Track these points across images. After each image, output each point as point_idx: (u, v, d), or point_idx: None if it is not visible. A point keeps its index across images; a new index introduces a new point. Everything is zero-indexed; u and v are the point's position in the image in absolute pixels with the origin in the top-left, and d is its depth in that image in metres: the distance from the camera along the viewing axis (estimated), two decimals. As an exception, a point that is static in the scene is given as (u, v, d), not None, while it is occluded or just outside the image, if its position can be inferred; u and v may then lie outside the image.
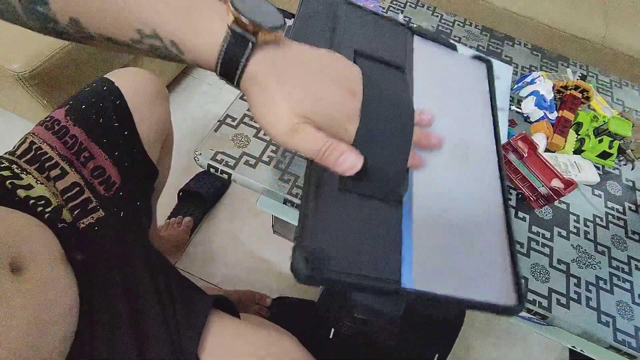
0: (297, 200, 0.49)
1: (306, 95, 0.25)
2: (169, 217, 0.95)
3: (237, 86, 0.26)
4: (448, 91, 0.37)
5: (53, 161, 0.45)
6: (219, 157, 0.50)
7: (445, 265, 0.28)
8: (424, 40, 0.39)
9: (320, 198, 0.27)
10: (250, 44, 0.24)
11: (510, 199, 0.56)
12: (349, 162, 0.25)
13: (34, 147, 0.45)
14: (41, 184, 0.44)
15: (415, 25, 0.39)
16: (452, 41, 0.41)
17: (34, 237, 0.39)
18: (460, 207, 0.31)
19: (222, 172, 0.50)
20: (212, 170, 0.50)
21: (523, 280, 0.31)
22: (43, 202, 0.42)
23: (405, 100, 0.29)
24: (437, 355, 0.63)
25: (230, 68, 0.24)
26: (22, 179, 0.43)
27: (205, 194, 0.97)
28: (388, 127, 0.27)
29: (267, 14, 0.24)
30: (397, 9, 0.81)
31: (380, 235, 0.27)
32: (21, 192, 0.42)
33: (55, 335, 0.35)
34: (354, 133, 0.26)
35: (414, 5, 0.83)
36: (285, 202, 0.50)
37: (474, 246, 0.29)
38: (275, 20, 0.24)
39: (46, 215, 0.42)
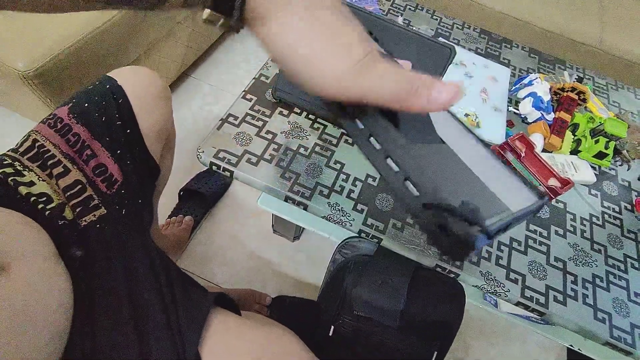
0: (298, 198, 0.50)
1: (353, 31, 0.18)
2: (170, 216, 0.96)
3: (240, 22, 0.17)
4: None
5: (56, 159, 0.45)
6: (221, 155, 0.51)
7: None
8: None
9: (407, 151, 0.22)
10: None
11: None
12: (447, 95, 0.18)
13: (36, 144, 0.46)
14: (43, 181, 0.44)
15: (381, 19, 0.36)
16: (419, 34, 0.38)
17: (22, 236, 0.38)
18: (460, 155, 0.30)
19: (225, 169, 0.51)
20: (214, 167, 0.51)
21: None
22: (44, 199, 0.43)
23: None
24: (435, 354, 0.63)
25: (227, 9, 0.17)
26: (24, 176, 0.43)
27: (206, 193, 0.97)
28: None
29: None
30: (397, 12, 0.82)
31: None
32: (23, 189, 0.42)
33: (41, 336, 0.34)
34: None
35: (413, 9, 0.84)
36: (287, 199, 0.50)
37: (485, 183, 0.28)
38: None
39: (47, 212, 0.42)
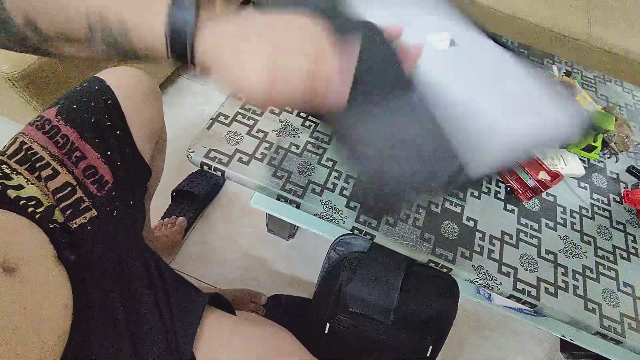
0: (290, 196, 0.50)
1: (269, 58, 0.25)
2: (163, 218, 0.95)
3: (193, 63, 0.26)
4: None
5: (44, 161, 0.45)
6: (212, 154, 0.51)
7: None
8: None
9: (357, 132, 0.27)
10: (193, 17, 0.24)
11: (499, 192, 0.58)
12: (340, 86, 0.25)
13: (24, 147, 0.45)
14: (32, 184, 0.43)
15: None
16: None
17: (26, 238, 0.38)
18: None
19: (216, 169, 0.50)
20: (205, 167, 0.51)
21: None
22: (34, 202, 0.42)
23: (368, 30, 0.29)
24: (430, 348, 0.64)
25: (179, 44, 0.25)
26: (13, 179, 0.43)
27: (198, 193, 0.96)
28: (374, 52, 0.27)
29: None
30: (387, 8, 0.82)
31: (424, 147, 0.27)
32: (11, 193, 0.41)
33: (49, 336, 0.35)
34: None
35: (403, 4, 0.84)
36: (279, 197, 0.50)
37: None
38: None
39: (37, 215, 0.41)
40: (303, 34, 0.26)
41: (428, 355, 0.64)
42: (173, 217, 0.93)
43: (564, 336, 0.70)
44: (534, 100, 0.30)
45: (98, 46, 0.26)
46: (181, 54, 0.25)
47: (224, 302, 0.51)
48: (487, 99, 0.31)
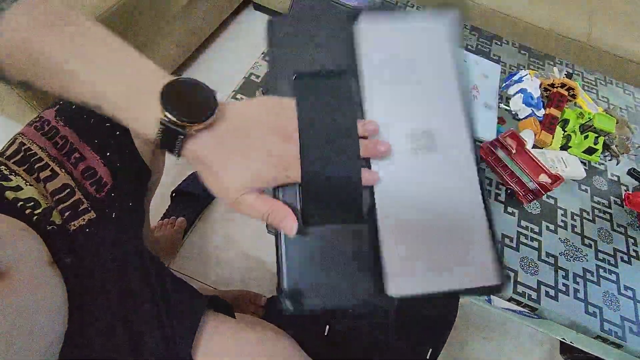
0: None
1: (246, 171, 0.27)
2: (162, 218, 0.95)
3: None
4: (403, 73, 0.33)
5: (43, 162, 0.45)
6: (211, 156, 0.50)
7: (425, 263, 0.28)
8: (372, 19, 0.34)
9: (289, 239, 0.29)
10: (180, 136, 0.26)
11: (499, 194, 0.58)
12: (287, 229, 0.28)
13: (23, 148, 0.45)
14: (30, 185, 0.43)
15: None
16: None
17: (18, 241, 0.38)
18: (432, 201, 0.30)
19: (215, 171, 0.50)
20: (204, 169, 0.50)
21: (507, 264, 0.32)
22: (32, 203, 0.42)
23: (347, 118, 0.29)
24: (430, 351, 0.63)
25: (168, 150, 0.27)
26: (11, 180, 0.42)
27: (198, 194, 0.96)
28: (331, 152, 0.28)
29: (199, 105, 0.27)
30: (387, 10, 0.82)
31: (353, 258, 0.28)
32: (9, 194, 0.41)
33: (41, 341, 0.35)
34: (298, 175, 0.28)
35: (403, 7, 0.84)
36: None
37: (452, 236, 0.29)
38: (204, 112, 0.26)
39: (35, 217, 0.41)
40: (276, 137, 0.28)
41: (428, 357, 0.64)
42: (173, 217, 0.93)
43: (564, 339, 0.70)
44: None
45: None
46: (169, 149, 0.27)
47: (223, 305, 0.50)
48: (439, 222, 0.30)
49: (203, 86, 0.28)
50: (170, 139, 0.27)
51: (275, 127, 0.29)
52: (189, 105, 0.26)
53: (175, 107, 0.26)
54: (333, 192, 0.28)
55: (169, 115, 0.25)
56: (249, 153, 0.28)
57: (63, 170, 0.45)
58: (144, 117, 0.27)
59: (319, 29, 0.33)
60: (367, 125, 0.31)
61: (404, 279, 0.27)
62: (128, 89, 0.27)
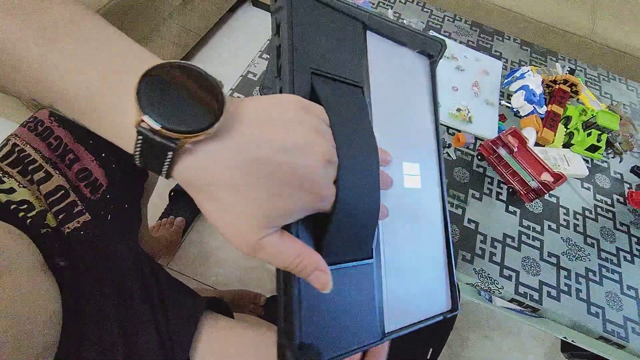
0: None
1: (269, 201, 0.19)
2: (161, 218, 0.94)
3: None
4: (395, 101, 0.32)
5: (37, 164, 0.44)
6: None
7: (407, 301, 0.29)
8: (378, 38, 0.32)
9: (308, 287, 0.23)
10: (168, 152, 0.17)
11: (500, 193, 0.57)
12: (321, 284, 0.22)
13: (16, 149, 0.44)
14: (24, 187, 0.42)
15: (372, 13, 0.32)
16: (409, 29, 0.33)
17: (9, 247, 0.37)
18: (410, 242, 0.30)
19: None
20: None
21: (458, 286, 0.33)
22: (25, 206, 0.41)
23: (372, 141, 0.25)
24: (431, 350, 0.63)
25: (152, 170, 0.19)
26: (4, 182, 0.42)
27: (196, 193, 0.96)
28: (361, 179, 0.23)
29: (198, 105, 0.18)
30: (387, 5, 0.81)
31: (357, 303, 0.26)
32: (2, 197, 0.40)
33: (34, 347, 0.34)
34: (330, 204, 0.22)
35: (404, 1, 0.83)
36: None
37: (421, 274, 0.30)
38: (206, 116, 0.18)
39: (28, 220, 0.40)
40: (314, 157, 0.20)
41: (429, 357, 0.63)
42: (171, 217, 0.92)
43: (565, 337, 0.70)
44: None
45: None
46: (152, 169, 0.19)
47: (222, 305, 0.50)
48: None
49: (203, 75, 0.18)
50: (155, 155, 0.18)
51: (312, 141, 0.21)
52: (182, 105, 0.18)
53: (161, 107, 0.17)
54: (358, 226, 0.24)
55: (150, 122, 0.17)
56: (275, 175, 0.19)
57: (57, 172, 0.44)
58: (114, 121, 0.19)
59: (333, 23, 0.27)
60: (386, 155, 0.28)
61: (395, 314, 0.28)
62: (94, 77, 0.19)
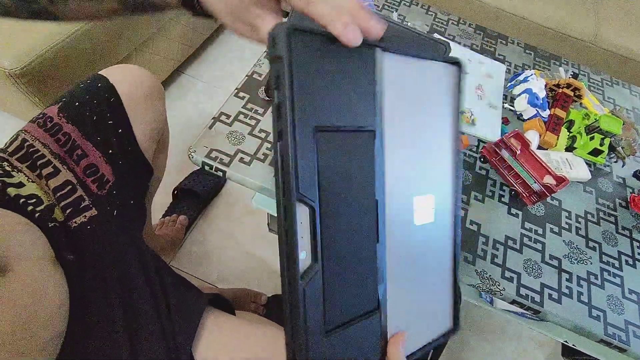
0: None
1: None
2: (164, 216, 0.95)
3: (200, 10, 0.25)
4: (414, 128, 0.29)
5: (45, 159, 0.45)
6: (213, 154, 0.50)
7: (411, 329, 0.28)
8: (394, 57, 0.28)
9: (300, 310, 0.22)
10: None
11: (503, 195, 0.57)
12: (350, 37, 0.21)
13: (26, 144, 0.45)
14: (32, 182, 0.43)
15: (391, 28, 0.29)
16: (440, 40, 0.33)
17: (21, 237, 0.38)
18: (417, 282, 0.29)
19: (217, 169, 0.50)
20: (206, 167, 0.50)
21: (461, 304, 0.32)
22: (34, 200, 0.42)
23: (370, 194, 0.25)
24: (431, 352, 0.63)
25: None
26: (13, 176, 0.42)
27: (200, 192, 0.96)
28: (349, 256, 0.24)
29: None
30: (392, 8, 0.81)
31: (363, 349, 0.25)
32: (11, 191, 0.41)
33: (43, 336, 0.35)
34: None
35: (408, 4, 0.83)
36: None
37: (427, 305, 0.29)
38: None
39: (37, 214, 0.41)
40: None
41: (429, 359, 0.63)
42: (174, 215, 0.93)
43: (566, 341, 0.69)
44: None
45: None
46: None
47: (224, 303, 0.50)
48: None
49: None
50: None
51: None
52: None
53: None
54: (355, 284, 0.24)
55: None
56: None
57: (65, 167, 0.45)
58: None
59: (339, 58, 0.24)
60: None
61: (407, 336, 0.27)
62: None
